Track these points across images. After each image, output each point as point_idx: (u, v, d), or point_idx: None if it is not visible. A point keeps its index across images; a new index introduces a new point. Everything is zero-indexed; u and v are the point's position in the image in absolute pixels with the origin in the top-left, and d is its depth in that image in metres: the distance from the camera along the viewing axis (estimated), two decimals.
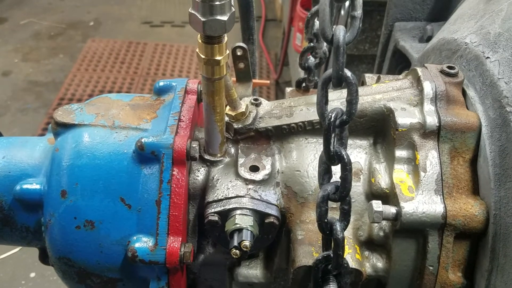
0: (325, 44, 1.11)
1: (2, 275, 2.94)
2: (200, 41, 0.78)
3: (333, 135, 0.72)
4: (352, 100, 0.71)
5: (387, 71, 1.48)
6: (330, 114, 0.72)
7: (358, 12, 0.70)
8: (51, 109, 4.06)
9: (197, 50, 0.80)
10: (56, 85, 4.34)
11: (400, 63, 1.44)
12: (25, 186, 0.91)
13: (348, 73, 0.70)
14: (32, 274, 2.96)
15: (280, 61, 4.29)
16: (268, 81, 1.24)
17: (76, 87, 4.30)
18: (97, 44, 4.84)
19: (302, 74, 1.20)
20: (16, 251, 3.03)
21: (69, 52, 4.74)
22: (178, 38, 5.09)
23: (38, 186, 0.90)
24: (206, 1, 0.71)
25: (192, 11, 0.74)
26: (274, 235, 0.90)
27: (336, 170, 0.76)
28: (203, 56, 0.79)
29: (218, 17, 0.73)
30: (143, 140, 0.85)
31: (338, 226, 0.75)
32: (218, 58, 0.79)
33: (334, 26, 0.71)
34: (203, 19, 0.73)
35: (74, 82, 4.35)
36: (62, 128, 0.91)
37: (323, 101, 0.73)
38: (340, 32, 0.69)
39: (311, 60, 1.14)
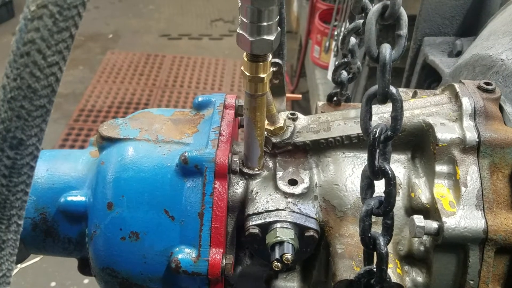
0: (358, 60, 1.13)
1: (23, 284, 2.97)
2: (245, 59, 0.80)
3: (377, 150, 0.74)
4: (397, 116, 0.72)
5: (415, 85, 1.50)
6: (374, 130, 0.73)
7: (404, 31, 0.72)
8: (71, 120, 4.13)
9: (242, 67, 0.83)
10: (76, 96, 4.42)
11: (429, 77, 1.45)
12: (69, 198, 0.92)
13: (393, 90, 0.72)
14: (53, 284, 2.98)
15: (296, 72, 4.32)
16: (300, 95, 1.26)
17: (96, 99, 4.37)
18: (116, 56, 4.92)
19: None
20: (37, 260, 3.07)
21: (88, 64, 4.83)
22: (196, 51, 5.17)
23: (82, 198, 0.92)
24: (255, 22, 0.73)
25: (240, 31, 0.76)
26: (313, 248, 0.90)
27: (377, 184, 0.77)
28: (248, 74, 0.81)
29: (265, 37, 0.75)
30: (186, 154, 0.88)
31: (381, 241, 0.75)
32: (262, 75, 0.81)
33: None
34: (251, 39, 0.75)
35: (94, 94, 4.43)
36: (107, 142, 0.94)
37: (367, 117, 0.75)
38: (386, 51, 0.71)
39: (344, 75, 1.15)
